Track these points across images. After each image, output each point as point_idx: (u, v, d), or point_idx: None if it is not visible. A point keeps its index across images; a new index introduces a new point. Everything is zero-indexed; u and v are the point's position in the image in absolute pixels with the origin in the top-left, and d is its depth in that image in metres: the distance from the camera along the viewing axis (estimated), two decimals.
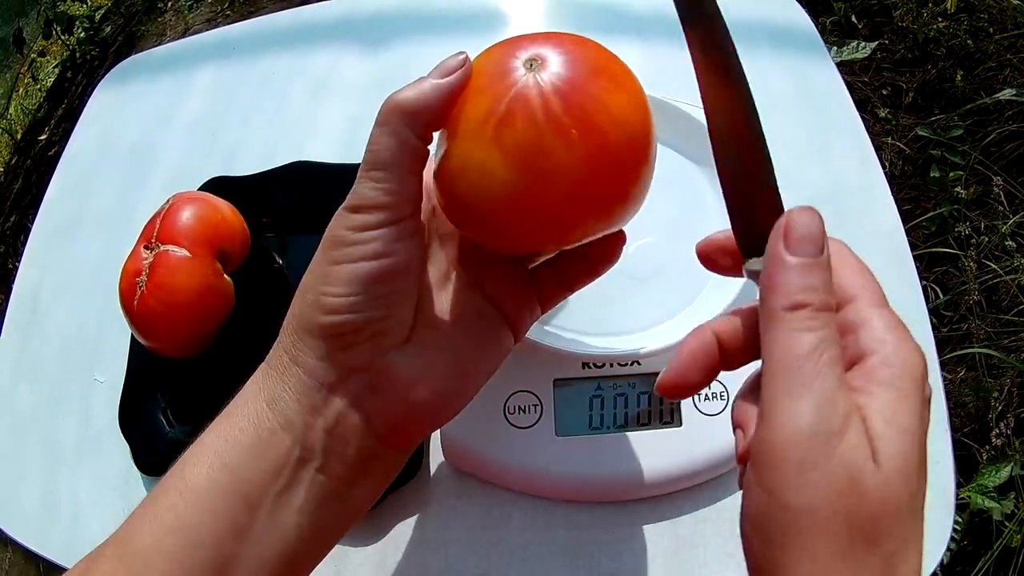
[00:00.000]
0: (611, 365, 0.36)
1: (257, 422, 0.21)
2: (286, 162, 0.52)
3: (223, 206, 0.44)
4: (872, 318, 0.19)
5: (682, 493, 0.37)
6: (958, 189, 0.94)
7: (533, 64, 0.22)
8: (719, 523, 0.37)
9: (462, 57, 0.22)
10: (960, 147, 0.99)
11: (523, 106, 0.21)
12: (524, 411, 0.35)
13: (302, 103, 0.59)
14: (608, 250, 0.27)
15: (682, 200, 0.41)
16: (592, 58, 0.23)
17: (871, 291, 0.21)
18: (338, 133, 0.56)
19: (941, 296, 0.95)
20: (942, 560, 0.39)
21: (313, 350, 0.21)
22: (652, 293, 0.37)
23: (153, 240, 0.41)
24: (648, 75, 0.54)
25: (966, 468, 0.86)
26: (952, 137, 1.00)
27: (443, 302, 0.24)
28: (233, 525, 0.20)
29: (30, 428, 0.50)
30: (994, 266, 0.92)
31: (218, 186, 0.51)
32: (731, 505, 0.37)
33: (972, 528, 0.83)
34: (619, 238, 0.27)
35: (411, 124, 0.21)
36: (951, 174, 0.98)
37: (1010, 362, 0.88)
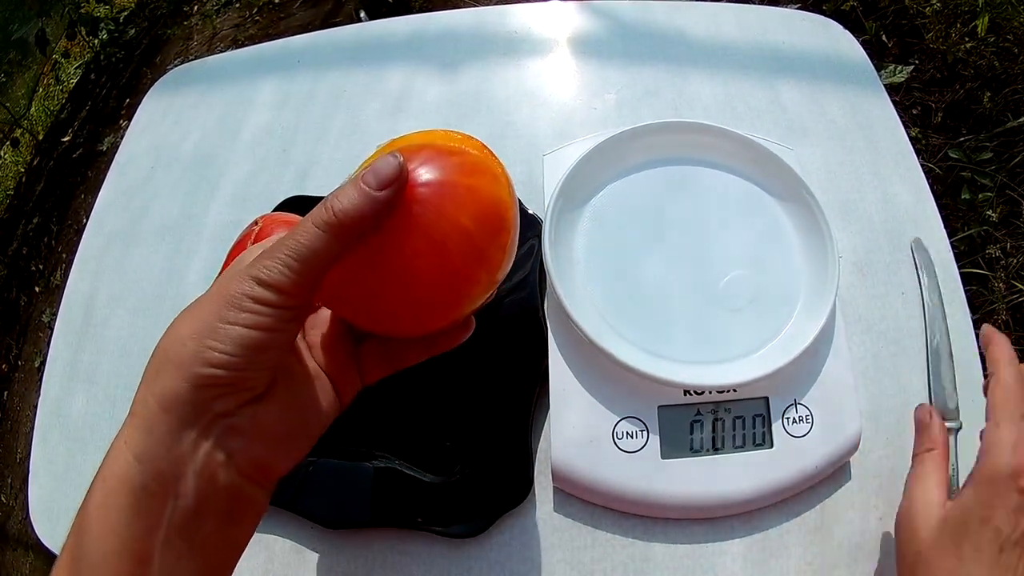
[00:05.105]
0: (710, 392, 0.37)
1: (129, 480, 0.22)
2: None
3: None
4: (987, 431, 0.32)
5: (769, 508, 0.39)
6: (989, 212, 0.96)
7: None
8: (800, 534, 0.39)
9: (397, 165, 0.24)
10: (987, 169, 1.01)
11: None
12: (632, 436, 0.37)
13: (380, 121, 0.58)
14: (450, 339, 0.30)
15: (765, 233, 0.42)
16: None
17: (993, 404, 0.33)
18: None
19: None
20: None
21: (187, 396, 0.22)
22: (745, 322, 0.39)
23: None
24: (723, 111, 0.57)
25: None
26: (981, 160, 1.02)
27: (291, 367, 0.27)
28: None
29: (87, 441, 0.49)
30: (1021, 286, 0.94)
31: (297, 205, 0.50)
32: (810, 519, 0.39)
33: None
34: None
35: (343, 236, 0.23)
36: (979, 196, 1.00)
37: None
